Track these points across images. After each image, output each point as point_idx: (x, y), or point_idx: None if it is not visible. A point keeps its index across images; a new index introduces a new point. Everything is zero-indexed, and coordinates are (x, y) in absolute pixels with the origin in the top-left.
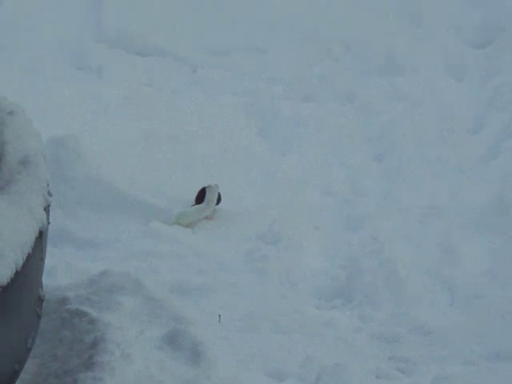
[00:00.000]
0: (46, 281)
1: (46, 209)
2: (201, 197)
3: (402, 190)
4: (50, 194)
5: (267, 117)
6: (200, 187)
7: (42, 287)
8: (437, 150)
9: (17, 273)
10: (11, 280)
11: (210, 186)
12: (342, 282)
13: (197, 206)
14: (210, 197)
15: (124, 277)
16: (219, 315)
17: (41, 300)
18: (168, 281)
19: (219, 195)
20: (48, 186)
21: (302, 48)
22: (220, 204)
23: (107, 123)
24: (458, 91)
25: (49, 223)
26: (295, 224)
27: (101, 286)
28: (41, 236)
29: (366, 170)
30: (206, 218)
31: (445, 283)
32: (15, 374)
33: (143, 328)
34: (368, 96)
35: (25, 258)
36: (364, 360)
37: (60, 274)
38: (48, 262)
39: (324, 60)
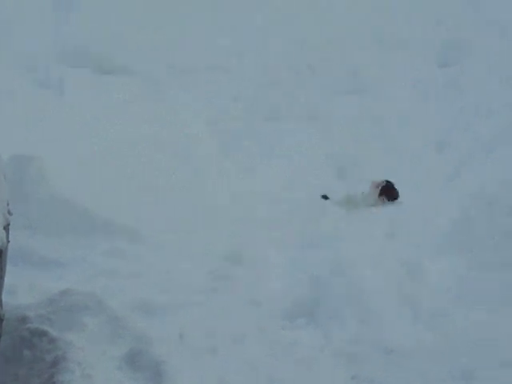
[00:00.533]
0: (6, 299)
1: (6, 227)
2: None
3: (365, 210)
4: (9, 212)
5: (230, 135)
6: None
7: (1, 306)
8: (401, 168)
9: None
10: None
11: (372, 183)
12: (307, 301)
13: (364, 195)
14: (371, 191)
15: (87, 296)
16: (181, 334)
17: (0, 319)
18: (132, 300)
19: (394, 191)
20: (8, 205)
21: (266, 67)
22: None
23: (71, 142)
24: (423, 110)
25: (8, 242)
26: (259, 244)
27: (61, 306)
28: (0, 255)
29: (330, 187)
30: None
31: (409, 302)
32: None
33: (105, 348)
34: (332, 114)
35: None
36: (328, 379)
37: (21, 292)
38: (9, 280)
39: (288, 79)
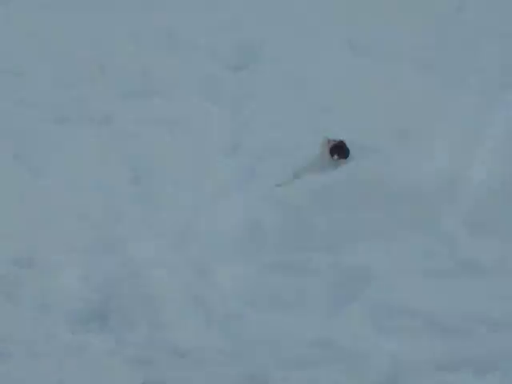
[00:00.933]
0: None
1: None
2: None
3: (159, 214)
4: None
5: (22, 140)
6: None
7: None
8: (193, 173)
9: None
10: None
11: (321, 142)
12: (98, 305)
13: (311, 160)
14: (321, 150)
15: None
16: None
17: None
18: None
19: (344, 149)
20: None
21: (57, 70)
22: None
23: None
24: (214, 114)
25: None
26: (50, 248)
27: None
28: None
29: (122, 193)
30: None
31: (201, 305)
32: None
33: None
34: (124, 118)
35: None
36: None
37: None
38: None
39: (80, 82)
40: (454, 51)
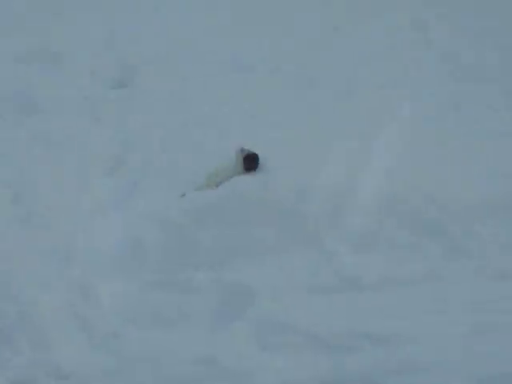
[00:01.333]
0: None
1: None
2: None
3: (39, 233)
4: None
5: None
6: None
7: None
8: (74, 191)
9: None
10: None
11: (236, 151)
12: None
13: (224, 169)
14: (236, 161)
15: None
16: None
17: None
18: None
19: (255, 161)
20: None
21: None
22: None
23: None
24: (96, 132)
25: None
26: None
27: None
28: None
29: (2, 212)
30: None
31: (83, 325)
32: None
33: None
34: (4, 137)
35: None
36: None
37: None
38: None
39: None
40: (337, 68)
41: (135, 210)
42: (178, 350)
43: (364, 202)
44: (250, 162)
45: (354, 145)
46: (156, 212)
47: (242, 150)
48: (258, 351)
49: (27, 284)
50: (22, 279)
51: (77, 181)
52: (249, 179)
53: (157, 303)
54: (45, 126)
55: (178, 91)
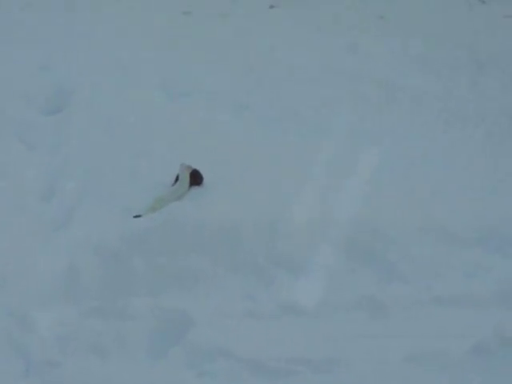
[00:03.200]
0: None
1: None
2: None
3: None
4: None
5: None
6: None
7: None
8: (8, 218)
9: None
10: None
11: (181, 166)
12: None
13: (171, 188)
14: (182, 176)
15: None
16: None
17: None
18: None
19: (200, 175)
20: None
21: None
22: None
23: None
24: (29, 159)
25: None
26: None
27: None
28: None
29: None
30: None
31: (20, 353)
32: None
33: None
34: None
35: None
36: None
37: None
38: None
39: None
40: (267, 93)
41: (71, 237)
42: (117, 379)
43: (299, 228)
44: (196, 177)
45: (291, 170)
46: (92, 239)
47: (184, 166)
48: (197, 378)
49: None
50: None
51: (11, 207)
52: (186, 205)
53: (94, 330)
54: None
55: (114, 116)
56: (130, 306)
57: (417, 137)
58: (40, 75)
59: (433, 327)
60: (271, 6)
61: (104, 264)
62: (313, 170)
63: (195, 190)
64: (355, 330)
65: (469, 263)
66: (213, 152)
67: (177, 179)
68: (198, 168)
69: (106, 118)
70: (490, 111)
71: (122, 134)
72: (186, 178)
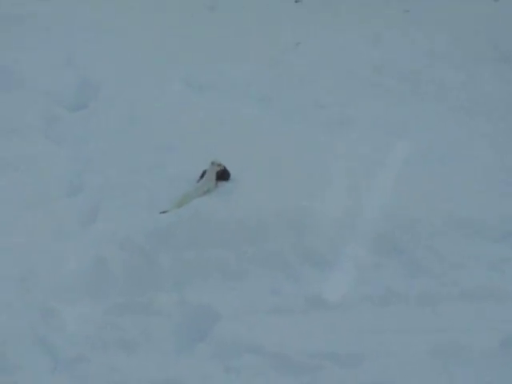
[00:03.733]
0: None
1: None
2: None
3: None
4: None
5: None
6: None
7: None
8: (35, 213)
9: None
10: None
11: (211, 164)
12: None
13: (197, 184)
14: (209, 172)
15: None
16: None
17: None
18: None
19: (227, 171)
20: None
21: None
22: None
23: None
24: (55, 155)
25: None
26: None
27: None
28: None
29: None
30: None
31: (47, 349)
32: None
33: None
34: None
35: None
36: None
37: None
38: None
39: None
40: (291, 86)
41: (98, 232)
42: (143, 374)
43: (323, 218)
44: (224, 173)
45: (316, 163)
46: (118, 234)
47: (215, 164)
48: (223, 373)
49: None
50: None
51: (38, 203)
52: (211, 200)
53: (120, 326)
54: (4, 147)
55: (139, 112)
56: (156, 301)
57: (442, 129)
58: (64, 70)
59: (459, 321)
60: (296, 0)
61: (130, 259)
62: (338, 164)
63: (222, 185)
64: (381, 325)
65: (494, 257)
66: (238, 146)
67: (203, 175)
68: (224, 162)
69: (131, 113)
70: None
71: (146, 128)
72: (212, 175)
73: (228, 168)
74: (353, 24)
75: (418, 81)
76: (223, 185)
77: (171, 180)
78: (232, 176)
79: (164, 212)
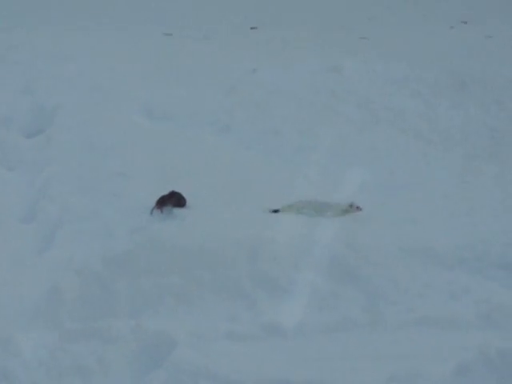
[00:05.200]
0: None
1: None
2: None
3: None
4: None
5: None
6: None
7: None
8: None
9: None
10: None
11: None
12: None
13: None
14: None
15: None
16: None
17: None
18: None
19: (183, 197)
20: None
21: None
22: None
23: None
24: (10, 181)
25: None
26: None
27: None
28: None
29: None
30: None
31: (3, 375)
32: None
33: None
34: None
35: None
36: None
37: None
38: None
39: None
40: (249, 113)
41: (53, 259)
42: None
43: (281, 249)
44: (179, 199)
45: (273, 191)
46: (74, 261)
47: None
48: None
49: None
50: None
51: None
52: (168, 227)
53: (77, 353)
54: None
55: (95, 139)
56: (112, 328)
57: (399, 157)
58: (20, 96)
59: (416, 349)
60: (252, 28)
61: (86, 286)
62: (295, 192)
63: (178, 211)
64: (337, 352)
65: (450, 285)
66: (195, 173)
67: (159, 201)
68: (180, 190)
69: (87, 139)
70: (472, 130)
71: (103, 155)
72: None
73: (184, 195)
74: (311, 50)
75: (376, 109)
76: (179, 211)
77: (127, 207)
78: (188, 203)
79: (275, 211)
